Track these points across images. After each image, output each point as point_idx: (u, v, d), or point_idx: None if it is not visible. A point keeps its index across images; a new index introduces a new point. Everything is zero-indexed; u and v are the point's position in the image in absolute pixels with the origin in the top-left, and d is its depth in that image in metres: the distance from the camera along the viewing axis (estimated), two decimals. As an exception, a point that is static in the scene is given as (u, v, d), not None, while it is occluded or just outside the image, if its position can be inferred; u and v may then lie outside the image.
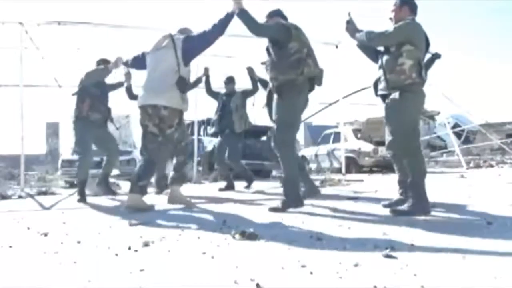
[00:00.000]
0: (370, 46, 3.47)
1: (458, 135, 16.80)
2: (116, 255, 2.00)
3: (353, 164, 10.69)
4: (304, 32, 3.60)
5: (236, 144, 5.96)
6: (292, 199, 3.42)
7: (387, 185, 5.89)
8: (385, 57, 3.27)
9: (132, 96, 5.30)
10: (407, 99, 3.14)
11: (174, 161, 4.04)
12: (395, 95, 3.18)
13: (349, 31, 3.44)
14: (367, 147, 10.66)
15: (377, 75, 3.39)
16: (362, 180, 7.30)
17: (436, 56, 3.71)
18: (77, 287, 1.55)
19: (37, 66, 7.63)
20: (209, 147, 9.43)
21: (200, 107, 8.81)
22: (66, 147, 10.52)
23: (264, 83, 4.75)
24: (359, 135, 11.36)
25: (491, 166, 10.78)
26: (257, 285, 1.48)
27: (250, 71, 5.59)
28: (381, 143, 10.80)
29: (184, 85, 3.73)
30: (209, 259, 1.89)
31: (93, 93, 4.83)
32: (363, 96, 10.41)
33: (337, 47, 7.38)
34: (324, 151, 12.04)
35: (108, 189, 5.19)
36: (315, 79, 3.56)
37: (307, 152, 13.59)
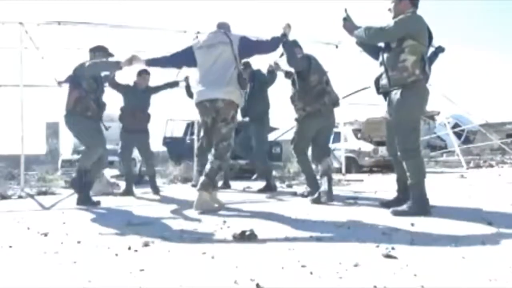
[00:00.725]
0: (370, 43, 3.37)
1: (458, 135, 16.81)
2: (116, 255, 2.00)
3: (353, 164, 10.69)
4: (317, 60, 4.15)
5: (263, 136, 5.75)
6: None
7: (387, 185, 5.89)
8: (386, 54, 3.17)
9: (190, 94, 5.16)
10: (409, 97, 3.04)
11: (208, 166, 3.65)
12: (397, 93, 3.09)
13: (347, 28, 3.36)
14: (367, 147, 10.66)
15: (378, 72, 3.29)
16: (362, 180, 7.30)
17: (439, 49, 3.47)
18: (77, 287, 1.55)
19: (37, 66, 7.63)
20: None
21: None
22: (66, 147, 10.51)
23: (289, 75, 4.69)
24: (359, 135, 11.36)
25: (491, 166, 10.79)
26: (257, 285, 1.48)
27: (277, 66, 5.29)
28: (381, 143, 10.80)
29: (244, 81, 3.75)
30: (209, 259, 1.89)
31: (85, 87, 4.32)
32: (363, 96, 10.40)
33: (337, 47, 7.37)
34: (324, 151, 12.02)
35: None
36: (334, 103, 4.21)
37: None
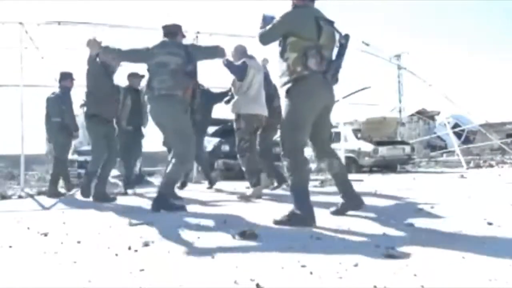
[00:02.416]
0: (265, 44, 3.12)
1: (458, 135, 16.83)
2: (116, 255, 2.00)
3: (353, 164, 10.69)
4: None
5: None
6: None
7: (387, 185, 5.89)
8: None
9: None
10: (291, 96, 2.88)
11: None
12: (284, 92, 2.97)
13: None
14: (367, 147, 10.66)
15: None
16: (362, 180, 7.30)
17: (343, 38, 3.00)
18: (77, 287, 1.55)
19: (37, 66, 7.64)
20: (209, 147, 9.44)
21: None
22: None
23: None
24: (359, 135, 11.36)
25: (491, 166, 10.79)
26: (257, 285, 1.48)
27: (266, 61, 5.42)
28: (381, 143, 10.82)
29: None
30: (209, 259, 1.89)
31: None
32: (363, 96, 10.43)
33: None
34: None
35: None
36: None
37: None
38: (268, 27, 2.96)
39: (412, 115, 20.47)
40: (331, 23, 2.99)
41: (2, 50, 7.48)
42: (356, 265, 1.71)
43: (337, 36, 2.98)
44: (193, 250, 2.08)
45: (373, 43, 12.60)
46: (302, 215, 2.71)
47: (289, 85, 2.90)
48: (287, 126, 2.92)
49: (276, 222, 2.76)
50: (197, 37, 8.27)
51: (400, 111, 19.05)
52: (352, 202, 3.07)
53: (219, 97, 6.09)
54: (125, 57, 4.01)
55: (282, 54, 2.92)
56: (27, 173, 7.05)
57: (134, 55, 3.87)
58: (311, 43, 2.83)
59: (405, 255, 1.85)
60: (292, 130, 2.89)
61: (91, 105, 4.65)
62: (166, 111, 3.67)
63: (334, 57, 2.98)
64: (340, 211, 3.08)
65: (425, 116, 20.77)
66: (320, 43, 2.85)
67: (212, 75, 6.59)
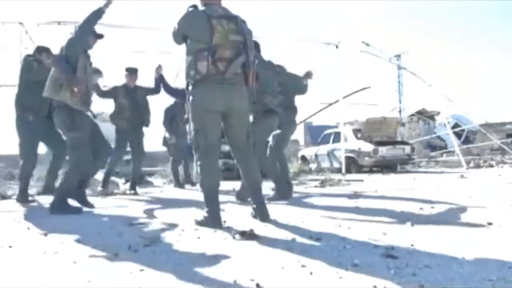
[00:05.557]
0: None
1: (458, 135, 16.84)
2: (116, 255, 2.00)
3: (353, 164, 10.69)
4: None
5: None
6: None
7: (387, 185, 5.89)
8: None
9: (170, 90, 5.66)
10: (188, 103, 2.87)
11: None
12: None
13: None
14: (367, 147, 10.66)
15: None
16: (362, 180, 7.30)
17: (249, 33, 2.89)
18: (77, 287, 1.55)
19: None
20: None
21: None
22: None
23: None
24: (359, 135, 11.36)
25: (491, 166, 10.79)
26: (257, 285, 1.48)
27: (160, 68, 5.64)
28: (381, 143, 10.82)
29: None
30: (209, 259, 1.89)
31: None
32: (363, 96, 10.43)
33: (337, 47, 7.39)
34: (324, 151, 12.05)
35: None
36: None
37: (307, 152, 13.60)
38: (172, 30, 2.93)
39: (412, 115, 20.48)
40: (232, 19, 2.83)
41: (2, 50, 7.48)
42: (356, 265, 1.71)
43: (242, 32, 2.82)
44: (193, 250, 2.08)
45: (373, 43, 12.61)
46: (209, 217, 2.74)
47: (187, 90, 2.88)
48: (193, 130, 2.90)
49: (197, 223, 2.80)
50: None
51: (400, 111, 19.07)
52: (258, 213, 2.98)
53: None
54: None
55: (185, 58, 2.86)
56: (27, 173, 7.03)
57: None
58: (203, 45, 2.72)
59: (405, 255, 1.85)
60: (195, 134, 2.86)
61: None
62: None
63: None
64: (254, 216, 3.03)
65: (425, 116, 20.77)
66: (215, 43, 2.71)
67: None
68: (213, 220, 2.73)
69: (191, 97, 2.83)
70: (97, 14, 3.80)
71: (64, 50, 3.76)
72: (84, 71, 3.79)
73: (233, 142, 3.01)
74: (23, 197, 4.58)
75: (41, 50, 4.66)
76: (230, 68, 2.74)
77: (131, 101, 5.63)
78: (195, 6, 2.86)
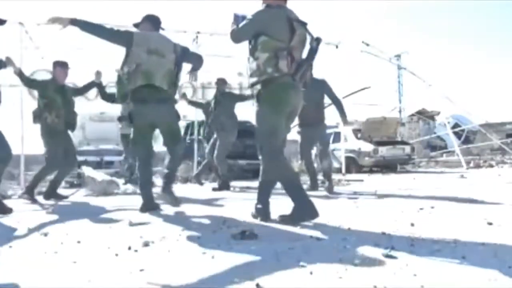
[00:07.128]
0: (236, 43, 3.06)
1: (458, 135, 16.84)
2: (116, 255, 2.00)
3: (353, 164, 10.69)
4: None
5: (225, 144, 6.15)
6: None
7: (387, 185, 5.89)
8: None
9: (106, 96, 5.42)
10: (262, 101, 2.86)
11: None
12: (255, 93, 2.93)
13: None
14: (367, 147, 10.66)
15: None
16: (362, 180, 7.31)
17: (315, 42, 2.91)
18: (77, 287, 1.55)
19: (37, 66, 7.64)
20: (208, 147, 9.47)
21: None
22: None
23: None
24: (359, 135, 11.37)
25: (491, 166, 10.80)
26: (257, 285, 1.48)
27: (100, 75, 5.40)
28: (381, 143, 10.82)
29: None
30: (209, 259, 1.89)
31: None
32: (363, 96, 10.42)
33: (337, 47, 7.40)
34: (324, 151, 12.02)
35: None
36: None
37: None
38: (240, 25, 2.91)
39: (412, 115, 20.48)
40: (304, 24, 2.92)
41: (2, 50, 7.47)
42: (356, 265, 1.71)
43: (308, 39, 2.92)
44: (193, 250, 2.08)
45: (373, 43, 12.61)
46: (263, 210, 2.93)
47: (258, 87, 2.87)
48: (263, 132, 2.89)
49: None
50: (197, 37, 8.26)
51: (400, 111, 19.10)
52: (304, 211, 2.83)
53: (240, 98, 6.36)
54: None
55: (252, 53, 2.87)
56: (27, 173, 7.04)
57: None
58: (283, 44, 2.78)
59: (405, 255, 1.85)
60: (269, 136, 2.86)
61: None
62: None
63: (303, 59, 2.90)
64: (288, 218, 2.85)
65: (425, 116, 20.78)
66: (291, 44, 2.80)
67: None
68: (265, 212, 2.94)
69: (266, 98, 2.84)
70: None
71: None
72: None
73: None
74: (29, 194, 4.86)
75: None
76: (299, 71, 2.82)
77: (64, 98, 5.20)
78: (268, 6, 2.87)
